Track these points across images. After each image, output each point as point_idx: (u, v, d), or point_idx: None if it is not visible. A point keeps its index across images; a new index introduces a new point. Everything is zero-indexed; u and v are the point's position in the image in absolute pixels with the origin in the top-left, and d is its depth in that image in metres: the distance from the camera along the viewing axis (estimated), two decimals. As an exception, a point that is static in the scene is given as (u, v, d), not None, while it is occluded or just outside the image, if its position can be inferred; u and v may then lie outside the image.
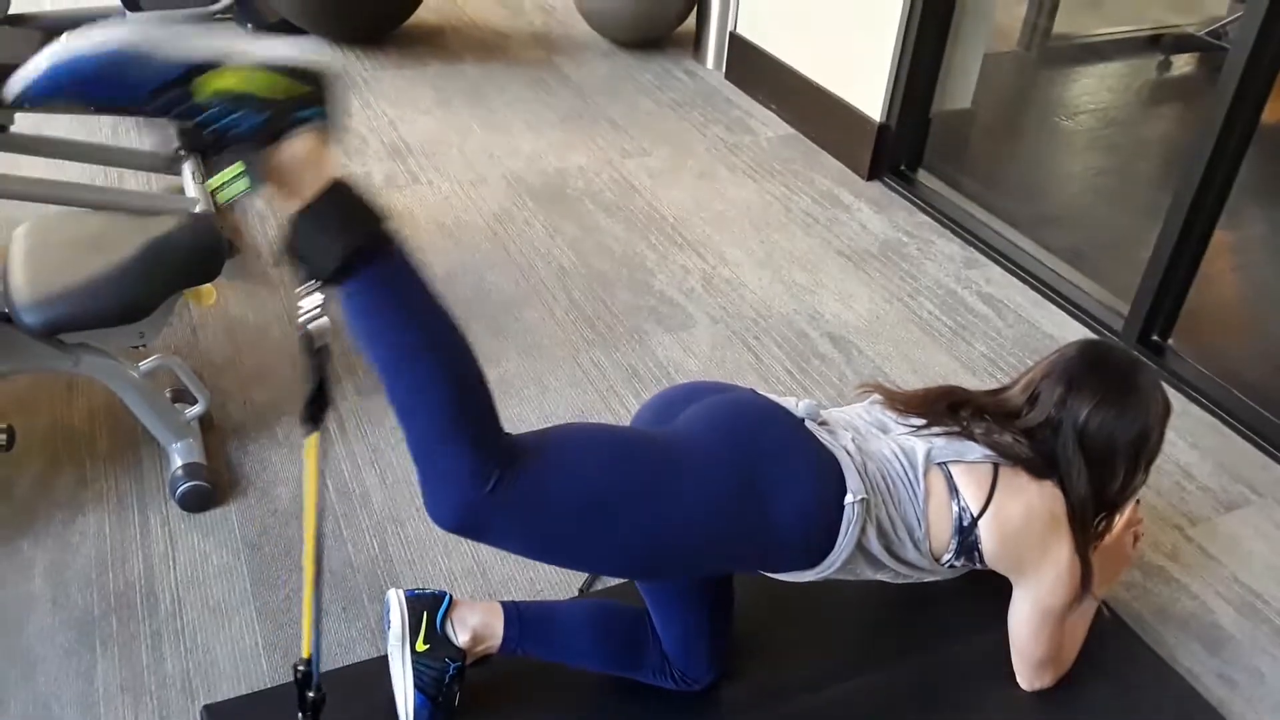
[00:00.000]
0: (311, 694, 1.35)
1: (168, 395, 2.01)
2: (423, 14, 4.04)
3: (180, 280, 1.81)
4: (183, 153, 2.91)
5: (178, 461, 1.88)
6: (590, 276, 2.64)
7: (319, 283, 1.14)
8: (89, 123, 3.15)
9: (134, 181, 2.91)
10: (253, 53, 1.08)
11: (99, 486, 1.92)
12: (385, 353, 1.20)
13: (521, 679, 1.56)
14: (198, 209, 2.61)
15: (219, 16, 3.91)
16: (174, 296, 1.81)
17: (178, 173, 2.85)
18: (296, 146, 1.09)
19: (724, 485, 1.30)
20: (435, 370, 1.20)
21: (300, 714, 1.37)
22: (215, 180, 1.09)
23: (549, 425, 1.39)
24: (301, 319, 1.15)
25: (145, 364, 1.91)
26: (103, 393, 2.06)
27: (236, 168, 1.08)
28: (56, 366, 1.78)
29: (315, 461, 1.24)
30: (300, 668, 1.35)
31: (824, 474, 1.34)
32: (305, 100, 1.09)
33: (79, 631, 1.65)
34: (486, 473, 1.20)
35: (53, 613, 1.68)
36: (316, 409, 1.20)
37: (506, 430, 1.27)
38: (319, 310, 1.15)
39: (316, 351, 1.17)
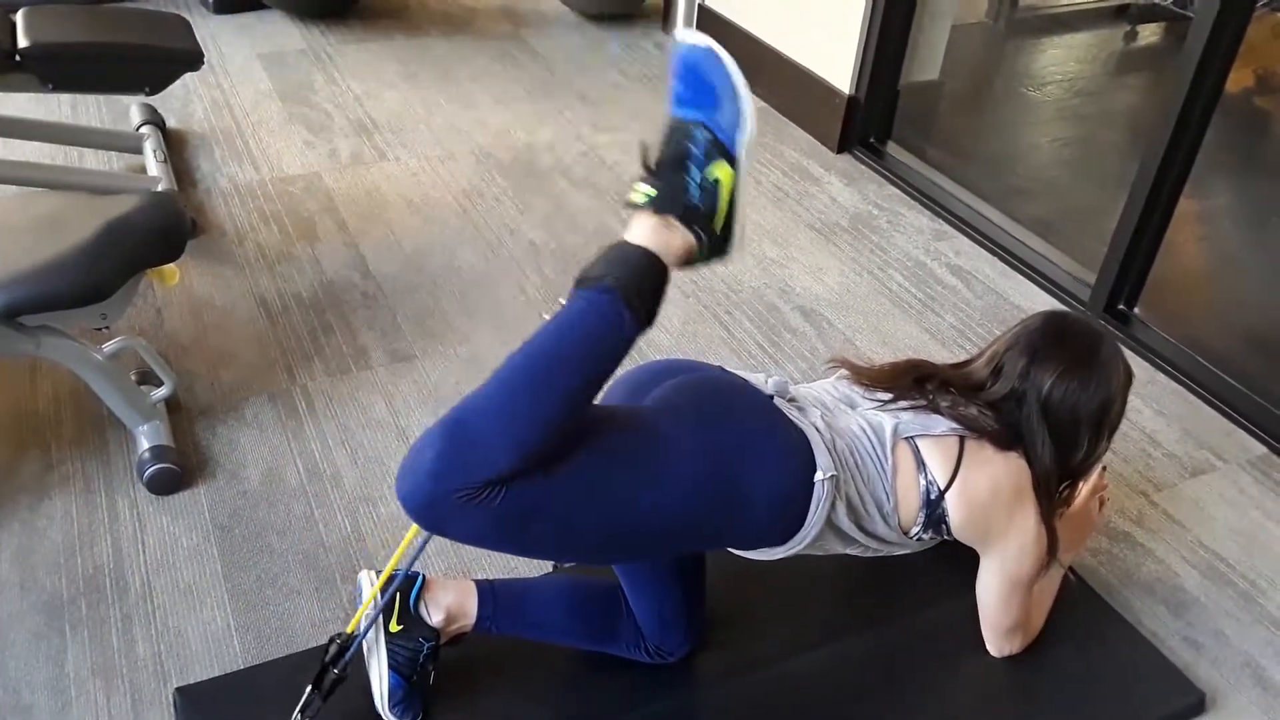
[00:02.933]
0: (336, 671, 1.37)
1: (133, 377, 1.98)
2: (387, -13, 3.99)
3: (142, 260, 1.78)
4: (144, 130, 2.86)
5: (145, 444, 1.86)
6: (561, 252, 2.63)
7: (582, 278, 1.23)
8: (47, 101, 3.09)
9: (94, 160, 2.86)
10: (745, 188, 1.25)
11: (65, 470, 1.90)
12: (550, 350, 1.23)
13: (496, 656, 1.56)
14: (159, 187, 2.57)
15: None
16: (136, 277, 1.78)
17: (139, 151, 2.80)
18: (682, 237, 1.23)
19: (695, 469, 1.30)
20: (556, 396, 1.22)
21: (312, 688, 1.38)
22: (641, 186, 1.23)
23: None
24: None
25: (109, 346, 1.88)
26: (66, 376, 2.04)
27: (654, 192, 1.22)
28: (18, 350, 1.75)
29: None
30: (339, 641, 1.38)
31: (793, 452, 1.34)
32: (717, 238, 1.25)
33: (48, 616, 1.63)
34: (476, 478, 1.17)
35: (21, 597, 1.66)
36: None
37: None
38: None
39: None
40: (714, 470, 1.30)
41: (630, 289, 1.19)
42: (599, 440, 1.29)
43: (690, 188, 1.21)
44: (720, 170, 1.21)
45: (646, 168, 1.23)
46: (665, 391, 1.38)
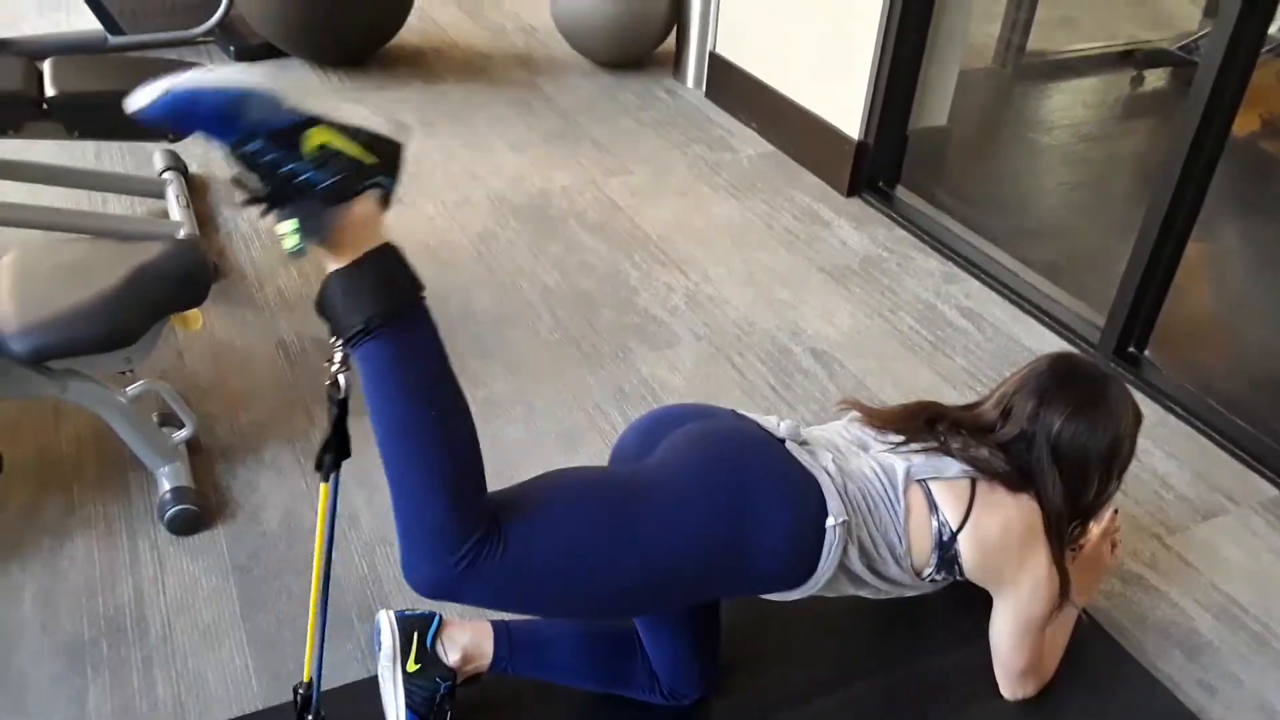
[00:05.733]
0: (310, 717, 1.36)
1: (155, 419, 2.02)
2: (405, 35, 4.07)
3: (166, 306, 1.82)
4: (166, 175, 2.92)
5: (166, 485, 1.89)
6: (575, 295, 2.67)
7: (341, 340, 1.18)
8: (71, 147, 3.16)
9: (118, 205, 2.92)
10: (347, 117, 1.14)
11: (87, 511, 1.93)
12: (388, 420, 1.22)
13: (511, 697, 1.57)
14: (182, 233, 2.63)
15: (201, 40, 3.93)
16: (161, 322, 1.82)
17: (162, 196, 2.86)
18: (357, 210, 1.14)
19: (708, 521, 1.32)
20: (434, 446, 1.22)
21: None
22: (280, 229, 1.14)
23: (533, 475, 1.39)
24: (330, 370, 1.19)
25: (132, 389, 1.92)
26: (89, 417, 2.07)
27: (294, 222, 1.12)
28: (44, 393, 1.78)
29: (325, 511, 1.26)
30: (300, 691, 1.36)
31: (805, 498, 1.36)
32: (377, 168, 1.15)
33: (69, 657, 1.65)
34: (463, 549, 1.22)
35: (42, 638, 1.68)
36: (333, 458, 1.23)
37: (488, 492, 1.29)
38: (344, 365, 1.19)
39: (339, 402, 1.20)
40: (725, 521, 1.32)
41: (388, 308, 1.16)
42: (609, 494, 1.32)
43: (310, 177, 1.11)
44: (306, 140, 1.11)
45: (261, 205, 1.13)
46: (677, 441, 1.40)
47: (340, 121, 1.13)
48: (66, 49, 3.58)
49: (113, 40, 3.61)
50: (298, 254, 1.13)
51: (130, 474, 2.00)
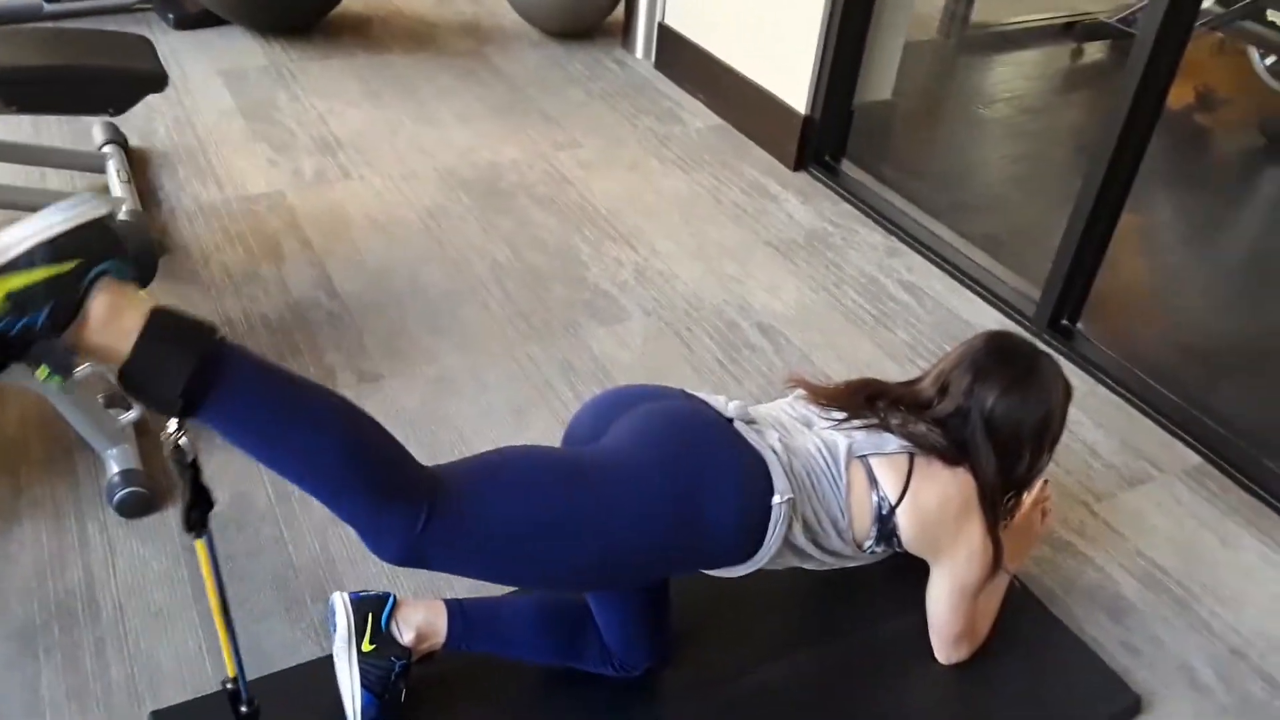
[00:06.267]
0: (244, 709, 1.38)
1: (101, 400, 2.00)
2: (349, 3, 4.01)
3: (112, 288, 1.80)
4: (106, 149, 2.86)
5: (114, 468, 1.89)
6: (525, 270, 2.68)
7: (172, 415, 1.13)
8: (7, 120, 3.08)
9: (56, 180, 2.86)
10: (12, 249, 1.04)
11: (34, 494, 1.92)
12: (267, 454, 1.20)
13: (467, 673, 1.61)
14: (125, 207, 2.59)
15: (139, 7, 3.84)
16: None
17: (103, 171, 2.81)
18: (95, 313, 1.07)
19: (658, 500, 1.36)
20: (318, 447, 1.20)
21: None
22: (37, 375, 1.08)
23: (484, 449, 1.41)
24: (167, 438, 1.14)
25: (78, 370, 1.90)
26: (33, 399, 2.05)
27: (43, 367, 1.07)
28: (-13, 377, 1.76)
29: (207, 564, 1.24)
30: (228, 685, 1.37)
31: (752, 477, 1.41)
32: (82, 268, 1.07)
33: (21, 641, 1.66)
34: (414, 514, 1.23)
35: (-8, 624, 1.68)
36: (199, 515, 1.19)
37: (432, 463, 1.30)
38: (181, 430, 1.14)
39: (189, 465, 1.16)
40: (678, 502, 1.37)
41: (194, 367, 1.10)
42: (563, 468, 1.35)
43: (21, 328, 1.05)
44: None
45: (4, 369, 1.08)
46: (629, 421, 1.44)
47: (6, 261, 1.04)
48: (3, 18, 3.48)
49: (49, 8, 3.52)
50: (64, 387, 1.08)
51: (77, 455, 1.99)
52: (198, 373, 1.10)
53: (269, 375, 1.20)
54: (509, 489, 1.32)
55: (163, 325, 1.11)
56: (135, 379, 1.11)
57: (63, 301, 1.06)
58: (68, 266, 1.06)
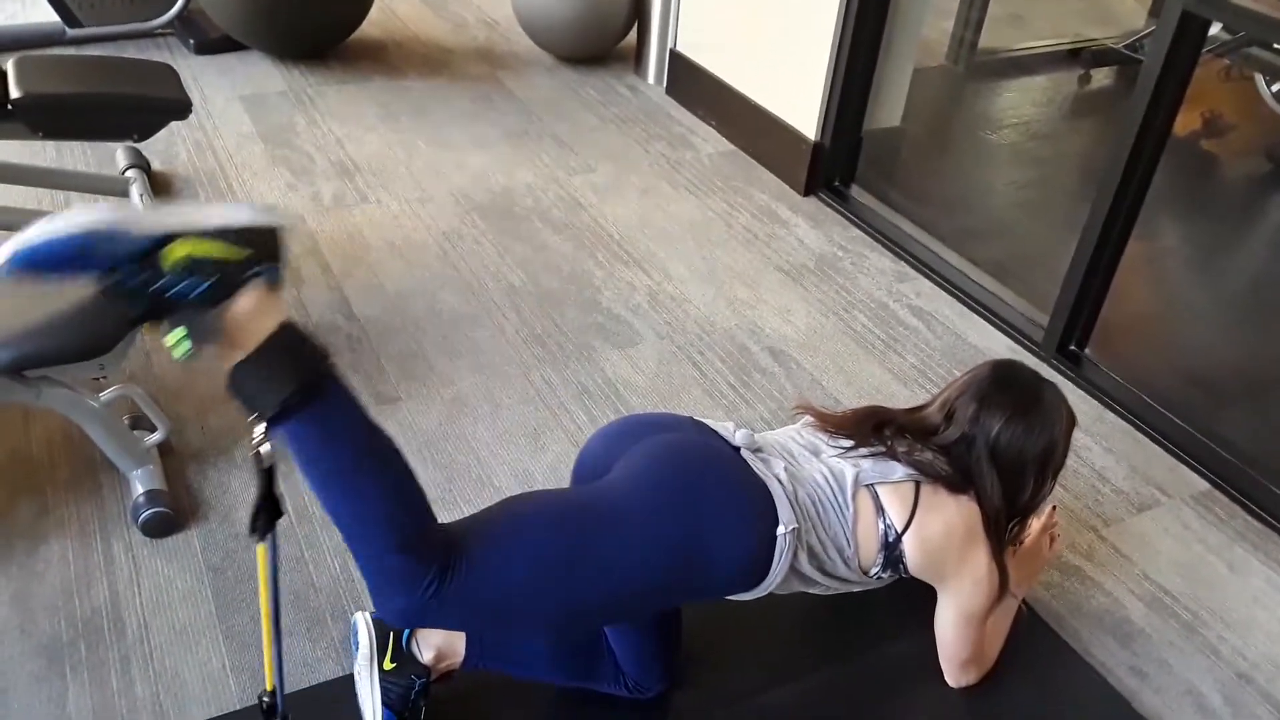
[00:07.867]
0: None
1: (126, 422, 2.05)
2: (366, 29, 4.07)
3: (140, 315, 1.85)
4: (130, 173, 2.92)
5: (139, 488, 1.93)
6: (539, 294, 2.73)
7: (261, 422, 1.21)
8: (32, 144, 3.15)
9: (81, 205, 2.91)
10: (208, 220, 1.16)
11: (60, 514, 1.96)
12: (322, 481, 1.27)
13: (485, 692, 1.64)
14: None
15: (160, 32, 3.91)
16: (136, 329, 1.85)
17: (126, 194, 2.87)
18: (243, 303, 1.16)
19: (666, 539, 1.39)
20: (370, 500, 1.27)
21: None
22: (167, 340, 1.16)
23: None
24: (252, 443, 1.21)
25: (106, 394, 1.95)
26: (59, 420, 2.09)
27: (180, 330, 1.15)
28: (18, 399, 1.81)
29: (266, 569, 1.30)
30: (265, 699, 1.41)
31: (758, 509, 1.44)
32: (251, 260, 1.18)
33: (48, 658, 1.70)
34: (424, 578, 1.28)
35: (21, 640, 1.72)
36: (265, 521, 1.25)
37: (440, 522, 1.35)
38: (265, 437, 1.21)
39: (265, 470, 1.23)
40: (685, 538, 1.40)
41: (299, 386, 1.19)
42: (569, 517, 1.39)
43: (180, 289, 1.13)
44: (167, 256, 1.13)
45: (145, 323, 1.17)
46: (635, 457, 1.47)
47: (200, 228, 1.15)
48: (24, 41, 3.56)
49: (71, 33, 3.59)
50: (189, 358, 1.15)
51: (102, 476, 2.04)
52: (300, 390, 1.19)
53: (357, 413, 1.27)
54: (514, 551, 1.35)
55: (289, 337, 1.20)
56: (244, 377, 1.19)
57: (224, 282, 1.15)
58: (242, 254, 1.17)
